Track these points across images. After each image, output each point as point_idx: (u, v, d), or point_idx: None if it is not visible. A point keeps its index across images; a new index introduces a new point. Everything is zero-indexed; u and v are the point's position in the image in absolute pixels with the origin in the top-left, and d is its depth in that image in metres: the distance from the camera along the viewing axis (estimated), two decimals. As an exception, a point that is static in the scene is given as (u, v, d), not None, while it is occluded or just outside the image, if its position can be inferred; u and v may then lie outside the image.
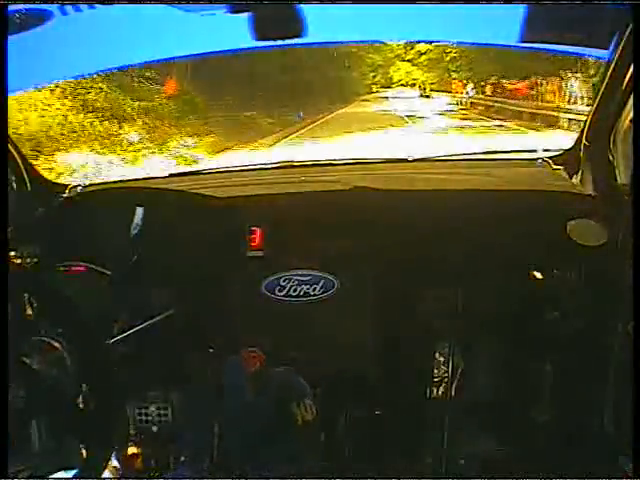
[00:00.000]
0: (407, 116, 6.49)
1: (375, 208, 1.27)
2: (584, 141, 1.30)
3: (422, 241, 1.24)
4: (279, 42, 1.17)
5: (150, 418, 1.32)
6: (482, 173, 1.43)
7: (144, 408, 1.31)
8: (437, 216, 1.26)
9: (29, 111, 4.19)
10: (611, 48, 1.11)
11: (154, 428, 1.32)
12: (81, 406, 0.98)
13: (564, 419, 1.34)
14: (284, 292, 1.22)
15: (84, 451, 0.97)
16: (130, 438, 1.30)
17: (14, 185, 1.30)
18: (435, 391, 1.45)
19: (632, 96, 1.09)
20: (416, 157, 1.48)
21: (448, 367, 1.44)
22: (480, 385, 1.46)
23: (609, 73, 1.14)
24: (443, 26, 1.20)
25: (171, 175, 1.56)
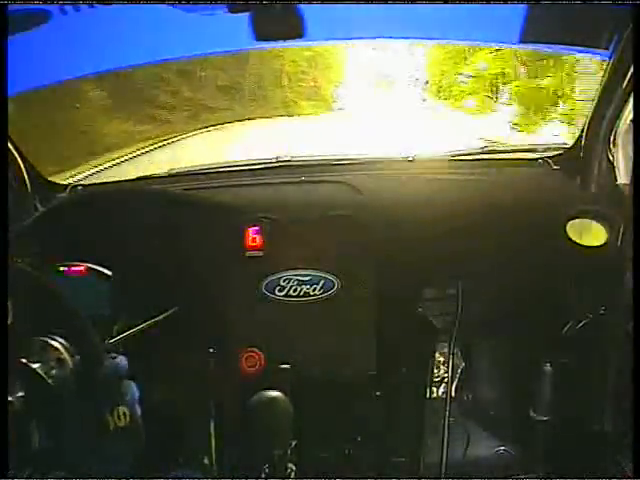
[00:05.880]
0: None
1: (375, 208, 1.27)
2: (584, 141, 1.30)
3: (422, 241, 1.24)
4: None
5: (149, 418, 1.32)
6: (482, 173, 1.42)
7: (143, 407, 1.31)
8: (437, 215, 1.26)
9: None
10: (611, 48, 1.11)
11: (154, 428, 1.32)
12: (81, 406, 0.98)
13: (564, 419, 1.34)
14: (284, 292, 1.22)
15: (84, 451, 0.97)
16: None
17: (14, 185, 1.30)
18: (435, 391, 1.45)
19: (632, 96, 1.10)
20: (416, 157, 1.48)
21: (448, 367, 1.44)
22: (480, 385, 1.47)
23: (609, 73, 1.14)
24: (443, 26, 1.20)
25: (171, 175, 1.56)
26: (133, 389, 0.91)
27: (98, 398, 0.86)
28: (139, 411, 0.92)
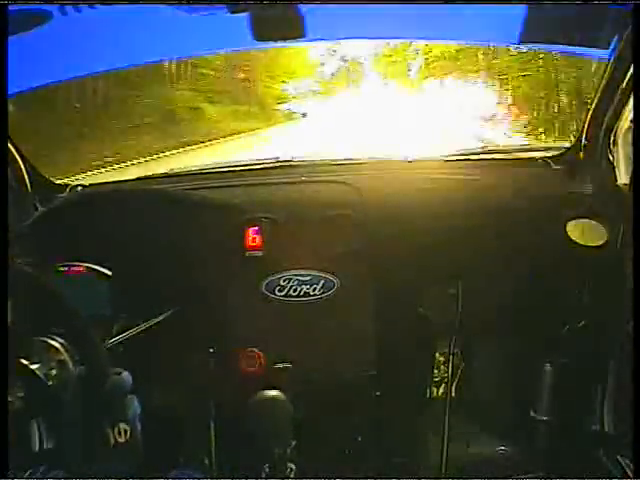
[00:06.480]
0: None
1: (375, 208, 1.27)
2: (584, 141, 1.30)
3: (422, 241, 1.24)
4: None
5: (149, 418, 1.32)
6: (482, 173, 1.43)
7: (143, 407, 1.31)
8: (437, 216, 1.26)
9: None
10: (611, 48, 1.11)
11: (154, 427, 1.32)
12: (81, 406, 0.98)
13: (564, 419, 1.34)
14: (284, 292, 1.22)
15: (84, 451, 0.97)
16: (130, 438, 1.30)
17: (14, 185, 1.30)
18: (435, 391, 1.45)
19: (632, 96, 1.10)
20: (416, 157, 1.48)
21: (448, 367, 1.44)
22: (480, 385, 1.47)
23: (609, 73, 1.15)
24: (443, 26, 1.20)
25: (171, 175, 1.56)
26: (135, 405, 0.92)
27: (101, 413, 0.87)
28: (139, 427, 0.92)
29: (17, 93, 1.14)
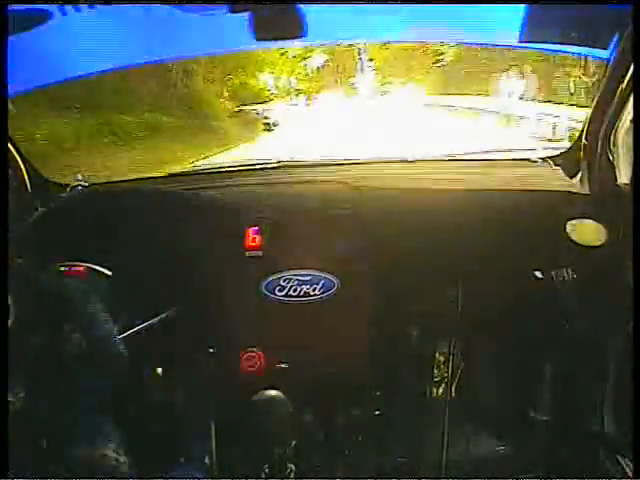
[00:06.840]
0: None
1: (375, 208, 1.27)
2: (584, 141, 1.30)
3: (422, 241, 1.24)
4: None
5: (150, 418, 1.32)
6: (482, 173, 1.43)
7: (143, 408, 1.31)
8: (437, 216, 1.26)
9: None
10: (611, 48, 1.11)
11: (154, 428, 1.32)
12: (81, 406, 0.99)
13: (564, 419, 1.34)
14: (284, 292, 1.22)
15: (83, 451, 0.98)
16: (129, 438, 1.30)
17: (14, 185, 1.30)
18: (435, 391, 1.45)
19: (632, 96, 1.10)
20: (417, 157, 1.48)
21: (448, 367, 1.44)
22: (480, 385, 1.47)
23: (609, 73, 1.15)
24: (443, 26, 1.20)
25: (171, 175, 1.56)
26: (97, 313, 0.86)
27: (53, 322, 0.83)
28: (107, 337, 0.87)
29: (17, 93, 1.15)
